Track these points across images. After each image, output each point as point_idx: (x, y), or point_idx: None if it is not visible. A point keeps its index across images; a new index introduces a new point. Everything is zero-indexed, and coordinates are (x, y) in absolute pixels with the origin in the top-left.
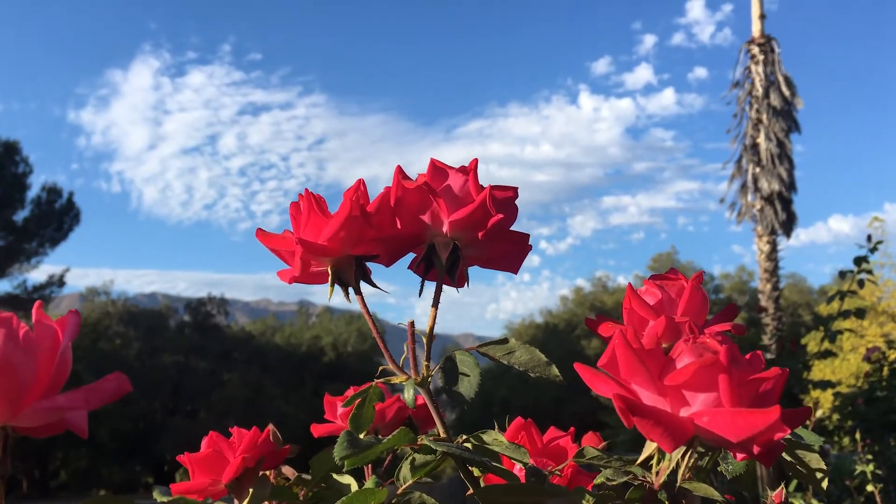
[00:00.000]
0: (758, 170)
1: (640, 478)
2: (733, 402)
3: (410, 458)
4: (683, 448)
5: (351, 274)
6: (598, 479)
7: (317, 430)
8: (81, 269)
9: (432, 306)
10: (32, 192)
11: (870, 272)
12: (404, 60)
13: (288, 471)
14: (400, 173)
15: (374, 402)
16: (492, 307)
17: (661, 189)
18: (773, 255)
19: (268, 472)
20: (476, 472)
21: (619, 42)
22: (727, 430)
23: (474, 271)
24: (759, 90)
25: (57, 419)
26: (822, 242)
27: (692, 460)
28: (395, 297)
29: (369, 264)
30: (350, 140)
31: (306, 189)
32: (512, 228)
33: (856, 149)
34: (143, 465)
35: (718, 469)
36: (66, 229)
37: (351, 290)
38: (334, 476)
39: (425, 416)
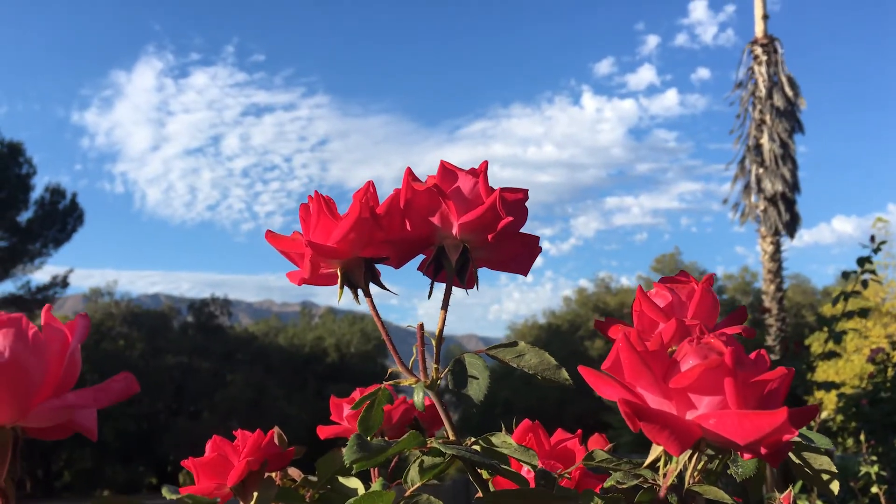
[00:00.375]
0: (761, 170)
1: (651, 481)
2: (739, 403)
3: (418, 460)
4: (690, 451)
5: (360, 276)
6: (609, 483)
7: (323, 431)
8: (85, 270)
9: (441, 308)
10: (36, 193)
11: (873, 273)
12: (407, 61)
13: (294, 472)
14: (410, 175)
15: (383, 405)
16: (495, 308)
17: (664, 190)
18: (776, 255)
19: (274, 475)
20: (485, 474)
21: (622, 43)
22: (734, 433)
23: (479, 272)
24: (763, 91)
25: (66, 419)
26: (825, 243)
27: (700, 463)
28: (398, 297)
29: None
30: (353, 141)
31: (316, 191)
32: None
33: (859, 149)
34: (147, 465)
35: (728, 472)
36: (70, 230)
37: (360, 291)
38: (340, 479)
39: (432, 418)
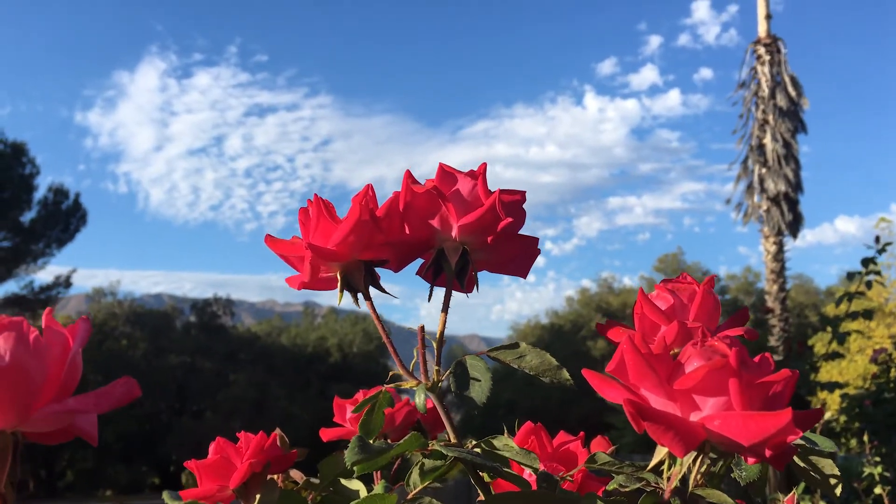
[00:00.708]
0: (764, 170)
1: (653, 484)
2: (744, 405)
3: (420, 463)
4: (694, 453)
5: (360, 279)
6: (611, 486)
7: (325, 433)
8: (88, 270)
9: (442, 311)
10: (39, 194)
11: (878, 273)
12: (410, 61)
13: (296, 475)
14: (409, 178)
15: (385, 408)
16: (497, 308)
17: (666, 190)
18: (779, 255)
19: (276, 477)
20: (486, 477)
21: (625, 43)
22: (738, 434)
23: (480, 273)
24: (766, 91)
25: (67, 423)
26: (828, 243)
27: (704, 465)
28: (400, 298)
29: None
30: (356, 141)
31: (315, 194)
32: (519, 232)
33: (861, 149)
34: (149, 465)
35: (731, 475)
36: (73, 230)
37: (360, 295)
38: (342, 481)
39: (434, 420)
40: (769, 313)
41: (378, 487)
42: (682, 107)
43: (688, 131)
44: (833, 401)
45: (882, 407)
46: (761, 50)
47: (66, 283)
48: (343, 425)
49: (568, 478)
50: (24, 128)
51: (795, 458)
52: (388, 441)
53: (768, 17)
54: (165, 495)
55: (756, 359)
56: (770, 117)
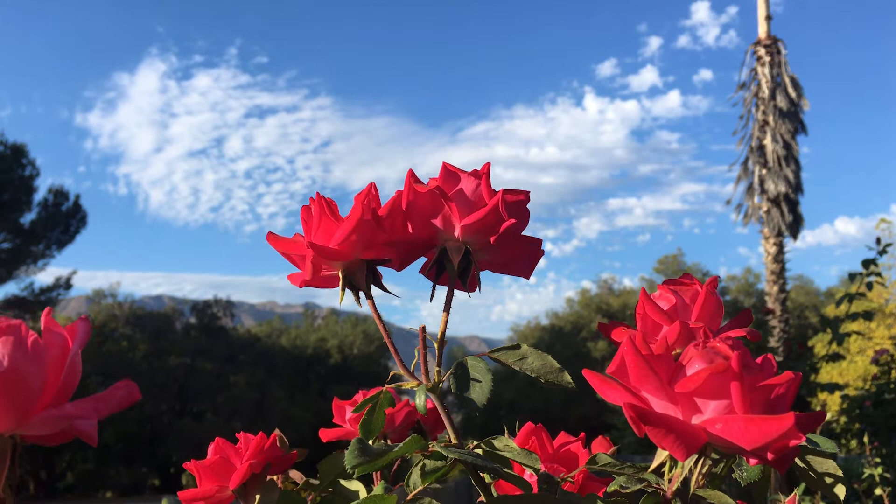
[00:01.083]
0: (764, 171)
1: (654, 485)
2: (746, 408)
3: (420, 463)
4: (696, 456)
5: (362, 278)
6: (612, 487)
7: (325, 434)
8: (88, 272)
9: (444, 311)
10: (39, 195)
11: (878, 275)
12: (410, 62)
13: (296, 475)
14: (412, 177)
15: (385, 408)
16: (497, 308)
17: (666, 191)
18: (779, 256)
19: (276, 477)
20: (487, 478)
21: (625, 44)
22: (741, 438)
23: (482, 273)
24: (766, 92)
25: (66, 428)
26: (828, 244)
27: (705, 468)
28: (401, 299)
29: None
30: (356, 142)
31: (317, 193)
32: (522, 233)
33: (861, 150)
34: (150, 466)
35: (732, 476)
36: (73, 232)
37: (362, 294)
38: (342, 482)
39: (434, 421)
40: (770, 314)
41: (378, 488)
42: (681, 108)
43: (688, 132)
44: (833, 402)
45: (882, 408)
46: (761, 51)
47: (66, 284)
48: (342, 426)
49: (569, 479)
50: (25, 129)
51: (797, 460)
52: (388, 442)
53: (768, 18)
54: (164, 502)
55: (758, 360)
56: (770, 118)
